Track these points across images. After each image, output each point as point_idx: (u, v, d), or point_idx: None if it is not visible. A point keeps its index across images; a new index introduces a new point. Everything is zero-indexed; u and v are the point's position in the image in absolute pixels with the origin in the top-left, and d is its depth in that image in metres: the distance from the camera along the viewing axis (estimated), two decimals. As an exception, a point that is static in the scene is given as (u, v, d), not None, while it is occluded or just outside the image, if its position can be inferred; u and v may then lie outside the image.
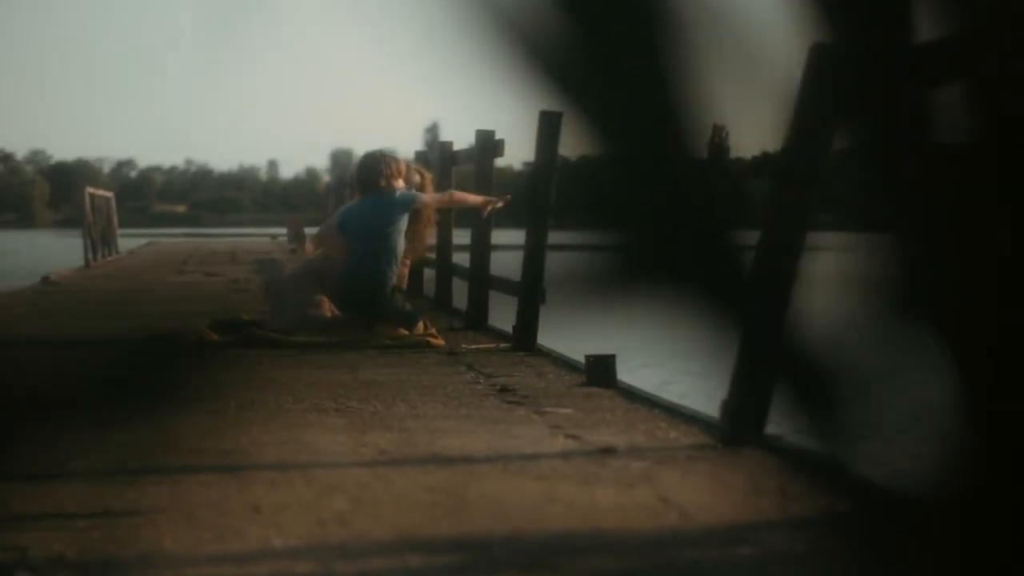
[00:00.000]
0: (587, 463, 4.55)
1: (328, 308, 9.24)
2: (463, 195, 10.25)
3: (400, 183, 9.41)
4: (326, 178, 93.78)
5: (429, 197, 9.67)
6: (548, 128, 8.55)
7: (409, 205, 9.34)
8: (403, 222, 9.31)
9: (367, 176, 9.45)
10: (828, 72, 4.02)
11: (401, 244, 9.33)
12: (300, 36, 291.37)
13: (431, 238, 10.45)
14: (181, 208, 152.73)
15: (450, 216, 13.39)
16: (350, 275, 9.19)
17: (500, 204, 10.03)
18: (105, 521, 3.64)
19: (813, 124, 4.49)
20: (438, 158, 13.55)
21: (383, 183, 9.33)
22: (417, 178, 9.81)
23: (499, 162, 10.99)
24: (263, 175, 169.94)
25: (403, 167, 9.54)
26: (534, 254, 8.90)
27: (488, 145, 10.92)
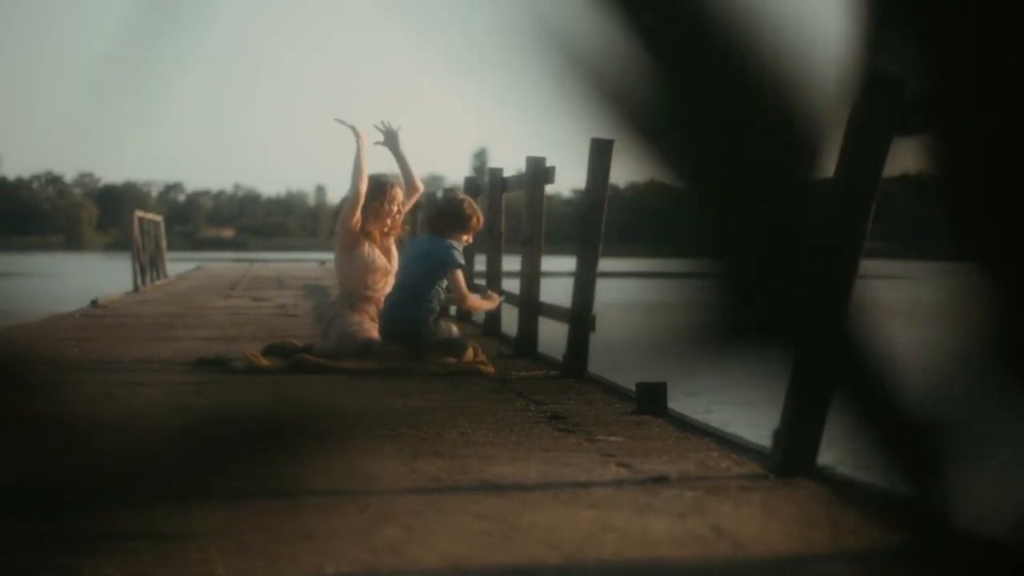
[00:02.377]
0: (639, 492, 4.52)
1: (369, 328, 9.24)
2: (473, 300, 9.83)
3: (467, 238, 9.41)
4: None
5: (458, 279, 9.39)
6: (600, 155, 8.53)
7: (444, 267, 9.31)
8: (441, 272, 9.29)
9: (436, 215, 9.52)
10: (885, 99, 3.97)
11: (443, 282, 9.28)
12: (349, 62, 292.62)
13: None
14: (228, 233, 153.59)
15: (500, 241, 13.40)
16: (390, 306, 9.21)
17: (490, 306, 10.18)
18: (156, 544, 3.63)
19: (870, 147, 4.46)
20: (488, 184, 13.55)
21: (445, 229, 9.35)
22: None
23: (548, 189, 10.98)
24: (311, 200, 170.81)
25: (478, 222, 9.53)
26: (584, 281, 8.88)
27: (539, 172, 10.90)
